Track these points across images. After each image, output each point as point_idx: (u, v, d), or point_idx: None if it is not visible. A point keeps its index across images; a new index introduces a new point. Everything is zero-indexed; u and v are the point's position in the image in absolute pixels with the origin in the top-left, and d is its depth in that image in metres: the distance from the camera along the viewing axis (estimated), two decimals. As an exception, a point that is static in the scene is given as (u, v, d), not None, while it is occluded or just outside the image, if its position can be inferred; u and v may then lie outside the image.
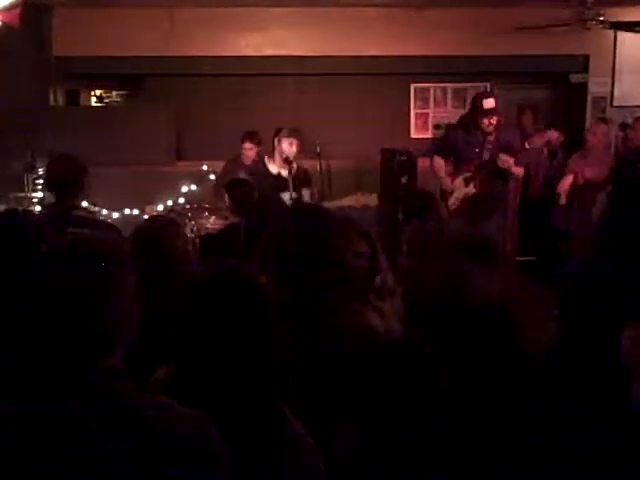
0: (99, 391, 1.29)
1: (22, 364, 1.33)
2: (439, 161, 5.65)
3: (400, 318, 1.84)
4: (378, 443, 1.48)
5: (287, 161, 5.20)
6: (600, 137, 6.05)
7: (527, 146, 5.53)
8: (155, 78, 8.07)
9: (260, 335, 1.55)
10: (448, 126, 6.07)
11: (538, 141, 6.71)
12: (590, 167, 5.87)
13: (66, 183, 3.34)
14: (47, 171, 3.62)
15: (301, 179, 5.32)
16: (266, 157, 5.42)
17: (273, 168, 5.31)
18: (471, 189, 5.39)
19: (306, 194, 5.23)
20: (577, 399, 1.61)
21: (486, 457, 1.47)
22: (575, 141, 6.83)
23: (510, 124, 6.17)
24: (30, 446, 1.24)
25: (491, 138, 5.41)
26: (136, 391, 1.35)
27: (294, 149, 5.27)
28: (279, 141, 5.30)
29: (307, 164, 6.28)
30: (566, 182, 6.00)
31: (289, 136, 5.26)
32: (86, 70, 7.71)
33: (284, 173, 5.26)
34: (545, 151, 6.92)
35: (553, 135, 6.90)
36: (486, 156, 5.42)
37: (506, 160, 5.30)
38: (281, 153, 5.24)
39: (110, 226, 3.61)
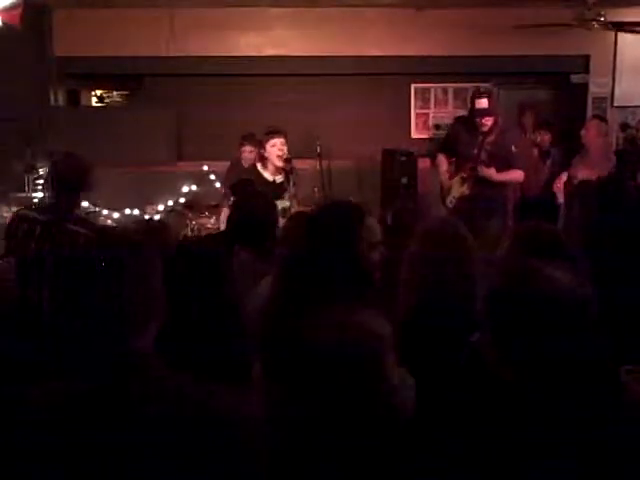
0: (135, 370, 1.29)
1: (57, 346, 1.35)
2: (441, 159, 5.63)
3: None
4: None
5: (283, 163, 5.02)
6: (593, 132, 5.98)
7: (513, 149, 5.46)
8: (155, 78, 8.06)
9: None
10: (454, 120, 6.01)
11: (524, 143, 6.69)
12: (585, 167, 5.84)
13: (72, 182, 3.27)
14: (55, 169, 3.42)
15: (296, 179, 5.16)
16: (259, 164, 5.19)
17: (268, 175, 5.13)
18: (465, 189, 5.37)
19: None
20: None
21: None
22: (573, 141, 6.81)
23: (514, 126, 6.12)
24: (68, 425, 1.25)
25: (490, 139, 5.31)
26: (170, 370, 1.35)
27: (284, 148, 5.06)
28: (264, 148, 5.11)
29: (307, 164, 6.27)
30: (559, 181, 5.98)
31: (271, 139, 5.00)
32: (86, 70, 7.72)
33: (279, 179, 5.11)
34: (535, 152, 6.89)
35: (544, 137, 6.89)
36: (484, 157, 5.34)
37: (485, 171, 5.24)
38: (273, 159, 5.05)
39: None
